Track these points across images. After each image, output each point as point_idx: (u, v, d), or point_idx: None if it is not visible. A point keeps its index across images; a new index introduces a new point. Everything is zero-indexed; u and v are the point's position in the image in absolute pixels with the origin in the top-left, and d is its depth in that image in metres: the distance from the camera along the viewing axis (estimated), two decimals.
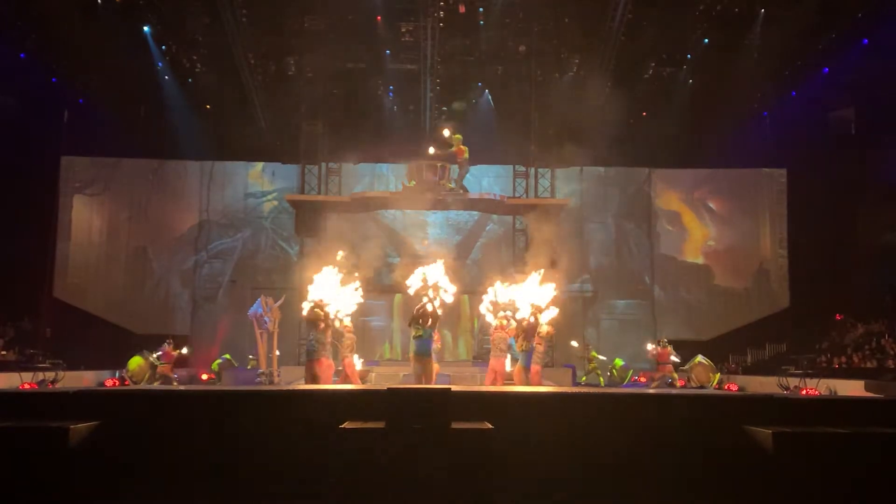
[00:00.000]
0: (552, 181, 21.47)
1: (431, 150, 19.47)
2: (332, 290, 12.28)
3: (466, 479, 5.65)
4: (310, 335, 11.75)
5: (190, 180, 23.13)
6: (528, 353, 12.22)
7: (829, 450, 6.05)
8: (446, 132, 19.30)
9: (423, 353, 11.12)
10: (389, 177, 23.33)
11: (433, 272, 11.94)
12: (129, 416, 6.69)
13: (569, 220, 22.12)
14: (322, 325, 11.63)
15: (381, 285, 21.60)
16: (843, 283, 20.77)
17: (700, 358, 17.85)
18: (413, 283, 12.10)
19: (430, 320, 11.20)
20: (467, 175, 21.65)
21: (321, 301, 11.92)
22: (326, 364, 11.61)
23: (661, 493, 6.28)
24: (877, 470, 5.96)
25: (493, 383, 12.75)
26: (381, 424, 5.93)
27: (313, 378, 11.25)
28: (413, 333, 11.25)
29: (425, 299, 11.43)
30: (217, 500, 6.25)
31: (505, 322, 13.08)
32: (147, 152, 22.53)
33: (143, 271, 22.65)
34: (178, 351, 17.09)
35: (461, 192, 20.08)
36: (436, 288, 11.69)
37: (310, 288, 12.25)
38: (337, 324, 13.09)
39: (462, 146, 19.24)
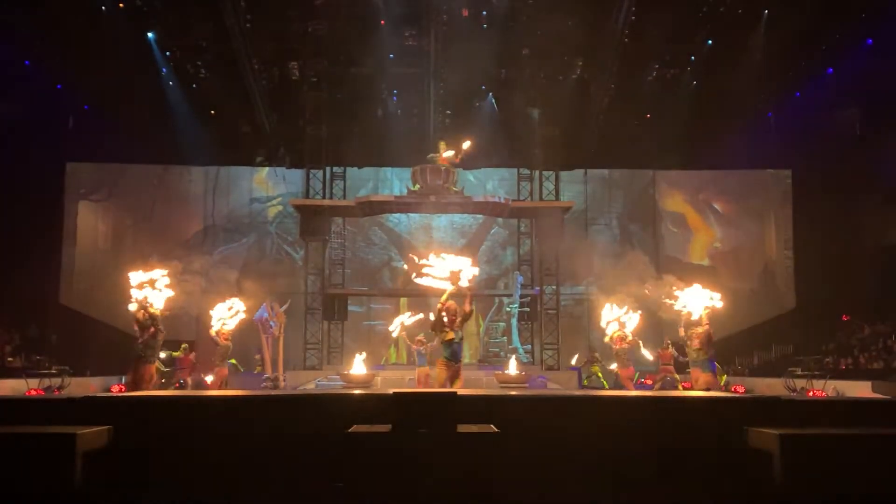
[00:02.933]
0: (556, 184, 21.47)
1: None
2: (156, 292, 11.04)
3: (472, 482, 5.65)
4: (140, 338, 10.74)
5: (195, 186, 23.22)
6: (711, 360, 11.15)
7: (836, 452, 6.03)
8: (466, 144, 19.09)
9: (456, 359, 9.53)
10: (394, 181, 23.39)
11: (457, 261, 9.93)
12: (136, 422, 6.70)
13: (573, 223, 22.12)
14: (153, 329, 10.70)
15: (386, 289, 21.64)
16: (850, 284, 20.69)
17: None
18: (436, 272, 9.95)
19: (460, 320, 9.52)
20: (469, 177, 21.77)
21: (145, 299, 10.81)
22: (150, 372, 10.72)
23: (668, 496, 6.26)
24: (884, 472, 5.94)
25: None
26: (387, 429, 5.94)
27: (135, 384, 10.51)
28: (445, 337, 9.49)
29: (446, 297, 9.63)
30: (229, 499, 6.26)
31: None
32: (152, 158, 22.61)
33: None
34: (193, 353, 17.11)
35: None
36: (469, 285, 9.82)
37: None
38: (213, 331, 13.03)
39: (444, 156, 19.17)
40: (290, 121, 21.92)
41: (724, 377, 17.38)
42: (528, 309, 20.40)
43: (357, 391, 9.63)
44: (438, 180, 19.12)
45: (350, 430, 5.95)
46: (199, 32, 19.71)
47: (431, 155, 19.15)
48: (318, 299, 20.57)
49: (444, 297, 9.65)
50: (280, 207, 23.37)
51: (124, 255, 22.77)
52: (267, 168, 23.44)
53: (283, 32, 19.93)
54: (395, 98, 22.08)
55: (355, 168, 22.73)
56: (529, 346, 20.68)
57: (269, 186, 23.62)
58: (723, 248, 23.40)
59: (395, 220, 23.44)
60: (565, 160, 21.56)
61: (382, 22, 19.40)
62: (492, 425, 6.11)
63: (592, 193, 23.48)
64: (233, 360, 17.82)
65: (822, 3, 18.31)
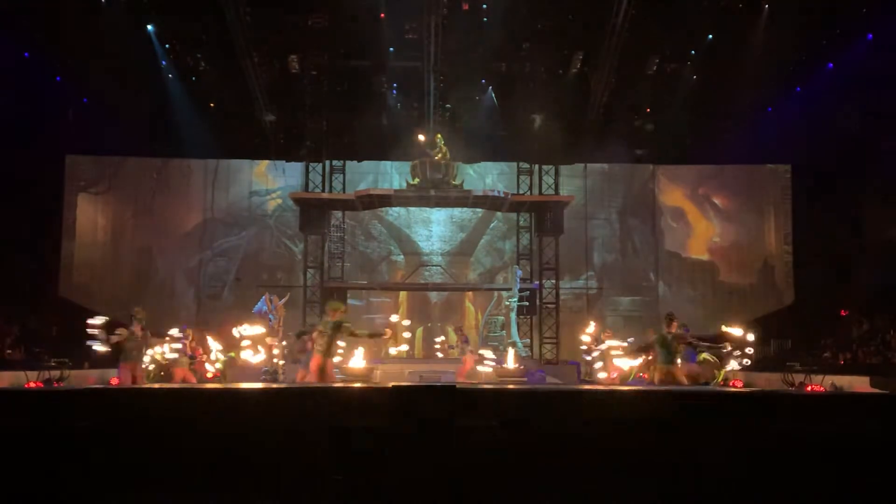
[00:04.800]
0: (556, 178, 21.46)
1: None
2: None
3: (471, 477, 5.66)
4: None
5: (194, 179, 23.20)
6: None
7: (834, 447, 6.05)
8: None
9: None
10: (393, 174, 23.36)
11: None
12: (135, 414, 6.71)
13: (573, 217, 22.12)
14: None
15: (386, 282, 21.60)
16: (848, 279, 20.71)
17: (704, 354, 17.77)
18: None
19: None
20: (469, 171, 21.72)
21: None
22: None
23: (666, 492, 6.28)
24: (883, 467, 5.95)
25: None
26: (385, 422, 5.95)
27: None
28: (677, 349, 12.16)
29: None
30: (222, 498, 6.27)
31: None
32: (151, 151, 22.58)
33: (148, 270, 22.70)
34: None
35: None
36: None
37: None
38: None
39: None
40: (289, 114, 21.86)
41: (723, 372, 17.37)
42: (527, 303, 20.40)
43: (355, 384, 9.66)
44: (438, 174, 19.12)
45: (348, 423, 5.97)
46: (198, 25, 19.68)
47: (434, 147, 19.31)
48: (317, 293, 20.57)
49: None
50: (279, 201, 23.35)
51: (124, 248, 22.82)
52: (266, 161, 23.41)
53: (283, 25, 19.87)
54: (394, 92, 22.02)
55: (355, 161, 22.70)
56: (528, 340, 20.70)
57: (268, 179, 23.59)
58: (722, 242, 23.41)
59: (395, 213, 23.43)
60: (565, 154, 21.53)
61: (382, 15, 19.36)
62: (492, 419, 6.13)
63: (592, 188, 23.46)
64: (232, 353, 17.85)
65: None
